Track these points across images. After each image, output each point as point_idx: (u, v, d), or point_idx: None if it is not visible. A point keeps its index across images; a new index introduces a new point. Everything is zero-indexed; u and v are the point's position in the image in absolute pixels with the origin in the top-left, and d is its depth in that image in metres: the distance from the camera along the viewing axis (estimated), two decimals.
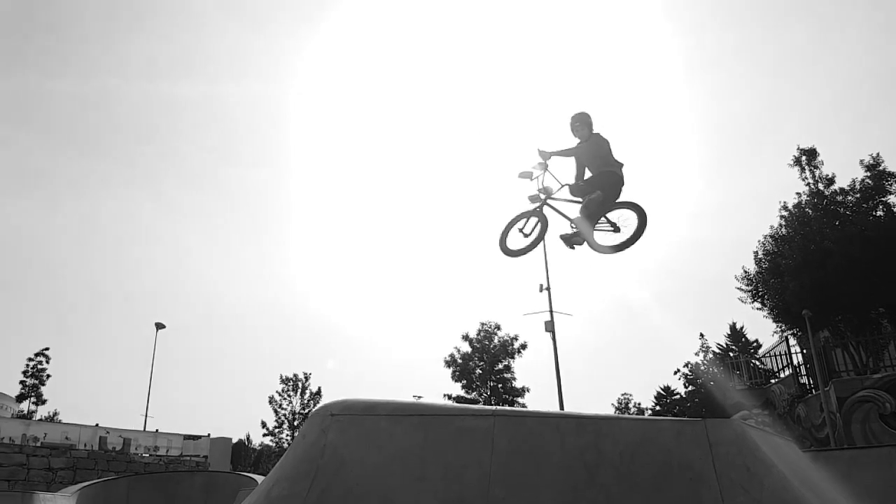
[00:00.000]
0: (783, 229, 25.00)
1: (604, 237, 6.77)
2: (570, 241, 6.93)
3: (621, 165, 6.75)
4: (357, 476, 5.28)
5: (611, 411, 51.31)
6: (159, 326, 43.67)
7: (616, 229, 6.67)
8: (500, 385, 36.39)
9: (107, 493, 19.46)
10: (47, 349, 48.20)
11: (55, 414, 49.87)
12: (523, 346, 36.91)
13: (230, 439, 42.19)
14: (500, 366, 36.81)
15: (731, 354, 37.85)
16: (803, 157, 25.09)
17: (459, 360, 37.19)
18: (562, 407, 24.36)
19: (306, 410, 45.98)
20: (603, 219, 6.76)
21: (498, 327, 37.73)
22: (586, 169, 6.96)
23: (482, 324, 38.03)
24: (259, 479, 19.50)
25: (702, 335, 41.45)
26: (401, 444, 5.38)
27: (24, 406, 47.70)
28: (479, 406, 6.45)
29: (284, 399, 46.48)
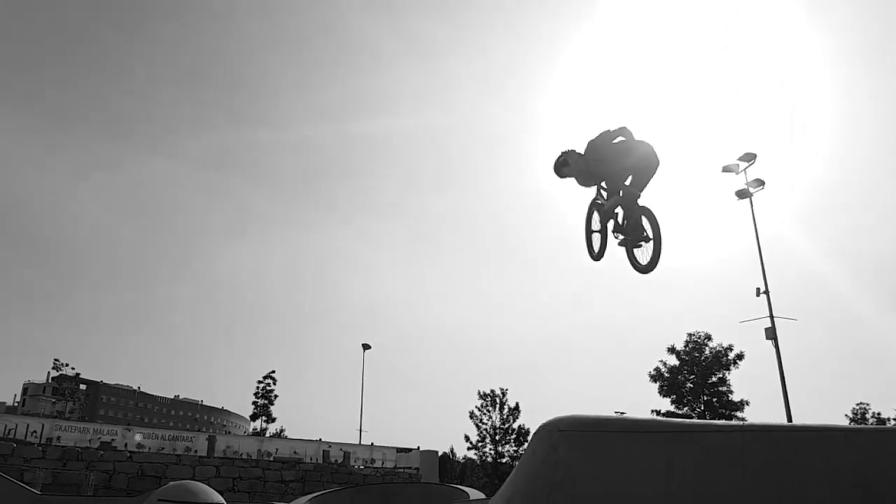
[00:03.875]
0: None
1: (639, 253, 5.65)
2: (636, 242, 5.80)
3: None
4: (595, 492, 4.99)
5: (845, 423, 45.64)
6: (366, 347, 46.72)
7: (647, 240, 5.55)
8: (714, 399, 33.83)
9: (332, 502, 20.86)
10: (273, 372, 51.85)
11: (282, 430, 54.54)
12: (739, 357, 34.03)
13: (437, 452, 43.60)
14: (714, 378, 34.24)
15: None
16: None
17: (667, 374, 35.23)
18: (789, 420, 22.01)
19: (506, 425, 46.31)
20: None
21: (708, 337, 35.26)
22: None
23: (689, 335, 35.74)
24: (470, 491, 19.79)
25: None
26: (638, 461, 5.00)
27: (257, 424, 52.36)
28: (723, 422, 5.79)
29: (484, 414, 47.19)
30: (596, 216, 5.96)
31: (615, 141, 5.65)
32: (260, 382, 51.41)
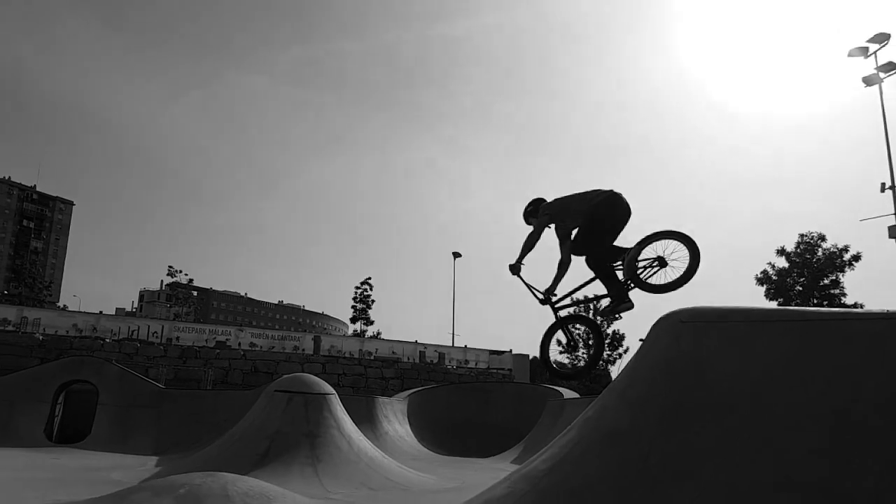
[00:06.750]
0: None
1: (656, 277, 5.46)
2: (615, 310, 5.72)
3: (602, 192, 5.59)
4: (720, 382, 4.71)
5: None
6: (456, 255, 47.80)
7: (662, 263, 5.40)
8: (825, 302, 32.06)
9: (430, 398, 21.70)
10: (370, 278, 55.59)
11: (378, 333, 57.47)
12: (856, 258, 31.99)
13: (528, 356, 44.53)
14: (826, 281, 32.46)
15: None
16: None
17: (775, 277, 33.65)
18: None
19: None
20: (642, 262, 5.49)
21: (822, 238, 33.21)
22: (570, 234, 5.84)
23: (801, 235, 33.74)
24: (563, 391, 20.08)
25: None
26: (768, 350, 4.65)
27: (356, 327, 55.80)
28: (864, 310, 5.36)
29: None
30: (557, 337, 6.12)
31: (583, 192, 5.70)
32: (357, 288, 54.41)
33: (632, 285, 5.48)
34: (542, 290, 5.91)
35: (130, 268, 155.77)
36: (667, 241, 5.39)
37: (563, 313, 6.04)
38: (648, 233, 5.46)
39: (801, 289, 32.55)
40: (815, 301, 32.05)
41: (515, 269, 5.92)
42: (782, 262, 34.03)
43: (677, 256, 5.35)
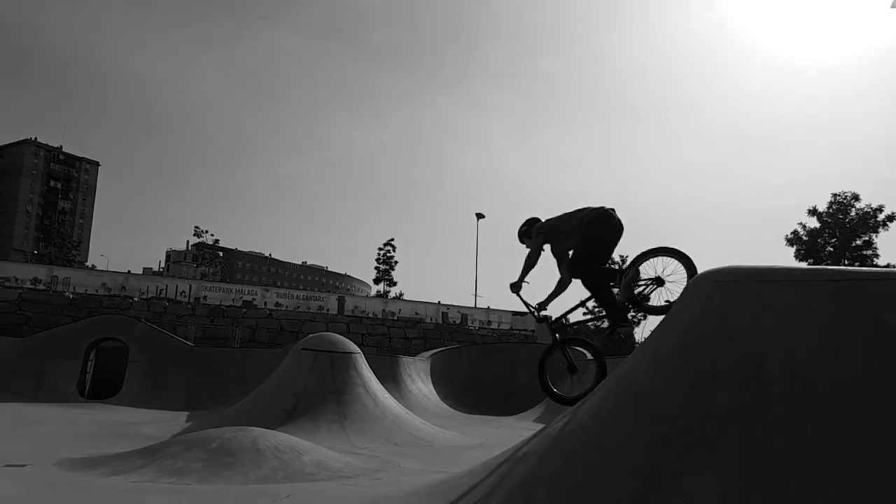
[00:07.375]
0: None
1: (654, 298, 5.26)
2: (615, 332, 5.62)
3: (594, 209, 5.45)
4: (753, 344, 4.59)
5: None
6: (479, 216, 47.50)
7: (660, 283, 5.18)
8: (857, 263, 31.47)
9: (453, 358, 21.87)
10: (392, 240, 55.57)
11: (401, 294, 57.84)
12: (890, 218, 31.30)
13: (550, 316, 44.63)
14: (859, 242, 31.80)
15: None
16: None
17: (805, 238, 33.03)
18: None
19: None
20: (639, 283, 5.33)
21: (856, 198, 32.37)
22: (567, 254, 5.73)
23: (834, 195, 33.00)
24: (587, 353, 20.08)
25: None
26: (803, 312, 4.49)
27: (380, 287, 56.16)
28: None
29: None
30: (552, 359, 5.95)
31: (574, 211, 5.59)
32: (380, 249, 54.62)
33: (630, 306, 5.37)
34: (535, 303, 5.81)
35: (157, 228, 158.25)
36: (662, 258, 5.24)
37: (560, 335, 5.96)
38: (642, 251, 5.28)
39: (832, 250, 31.86)
40: (847, 262, 31.39)
41: (517, 287, 5.83)
42: (814, 223, 33.41)
43: (675, 277, 5.19)
